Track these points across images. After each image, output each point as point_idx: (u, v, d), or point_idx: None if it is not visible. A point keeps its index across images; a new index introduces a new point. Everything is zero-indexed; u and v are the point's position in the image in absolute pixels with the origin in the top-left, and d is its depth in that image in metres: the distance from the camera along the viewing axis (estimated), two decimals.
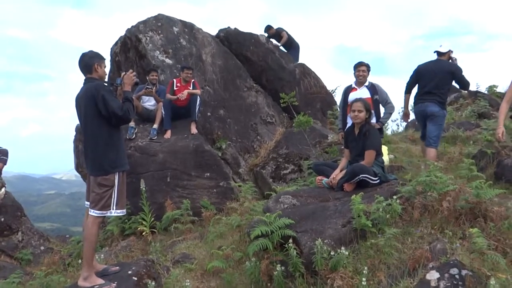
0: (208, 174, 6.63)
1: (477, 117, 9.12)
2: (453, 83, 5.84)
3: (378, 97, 5.85)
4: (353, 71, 6.03)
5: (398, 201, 3.72)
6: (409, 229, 3.65)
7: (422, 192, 3.92)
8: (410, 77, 5.93)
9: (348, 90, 6.03)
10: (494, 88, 11.45)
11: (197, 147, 6.63)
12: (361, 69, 5.93)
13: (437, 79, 5.61)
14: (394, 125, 11.29)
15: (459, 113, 9.83)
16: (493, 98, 10.29)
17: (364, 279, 2.98)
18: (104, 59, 3.92)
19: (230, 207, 6.11)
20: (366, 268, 3.12)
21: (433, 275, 2.86)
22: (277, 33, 10.06)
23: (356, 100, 4.80)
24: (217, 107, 7.83)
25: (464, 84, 5.79)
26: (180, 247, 5.10)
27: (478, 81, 9.19)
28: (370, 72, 6.04)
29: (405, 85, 6.03)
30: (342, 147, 5.50)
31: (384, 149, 5.22)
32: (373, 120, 5.54)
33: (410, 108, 6.33)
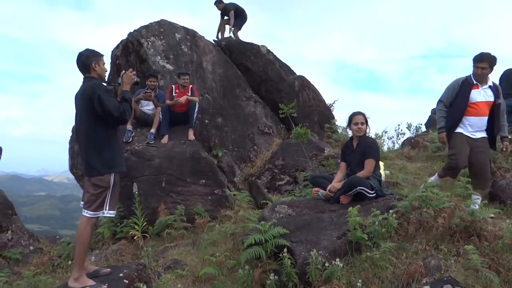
0: (204, 181, 6.62)
1: None
2: None
3: (501, 101, 4.99)
4: (472, 65, 4.96)
5: (394, 215, 3.73)
6: (404, 244, 3.66)
7: (418, 207, 3.94)
8: None
9: (468, 86, 4.96)
10: None
11: (194, 154, 6.63)
12: (481, 66, 4.88)
13: None
14: (390, 142, 11.33)
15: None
16: None
17: None
18: (102, 55, 3.87)
19: (224, 215, 6.07)
20: (360, 281, 3.12)
21: None
22: (226, 9, 10.07)
23: (358, 113, 4.84)
24: (215, 115, 7.84)
25: None
26: (172, 253, 5.06)
27: None
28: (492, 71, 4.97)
29: None
30: (339, 160, 5.45)
31: (381, 164, 5.23)
32: (485, 124, 4.92)
33: None
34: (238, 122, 8.24)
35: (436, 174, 5.51)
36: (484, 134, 5.03)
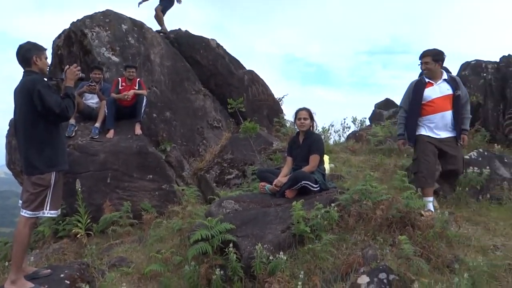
0: (151, 176, 6.52)
1: None
2: None
3: (460, 92, 4.90)
4: (419, 64, 5.02)
5: (335, 208, 3.88)
6: (344, 235, 3.81)
7: (358, 200, 4.11)
8: None
9: (421, 85, 4.95)
10: None
11: (141, 149, 6.51)
12: (424, 61, 4.92)
13: None
14: (336, 135, 11.65)
15: (396, 128, 9.99)
16: None
17: (300, 283, 3.06)
18: (44, 49, 3.71)
19: (172, 210, 5.99)
20: (302, 272, 3.21)
21: (363, 280, 3.04)
22: None
23: (302, 109, 4.92)
24: (164, 109, 7.73)
25: None
26: (117, 251, 4.95)
27: None
28: (441, 63, 4.94)
29: None
30: (286, 154, 5.53)
31: (326, 158, 5.33)
32: (449, 119, 4.84)
33: None
34: (187, 116, 8.14)
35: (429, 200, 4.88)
36: (450, 134, 4.86)
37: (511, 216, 4.81)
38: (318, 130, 10.99)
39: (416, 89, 4.98)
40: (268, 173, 5.07)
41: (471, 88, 7.97)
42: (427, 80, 4.96)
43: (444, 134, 4.86)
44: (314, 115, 4.96)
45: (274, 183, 4.71)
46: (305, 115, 4.86)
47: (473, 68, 8.47)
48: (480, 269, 3.15)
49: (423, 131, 4.92)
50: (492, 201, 5.33)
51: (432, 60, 4.86)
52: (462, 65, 8.85)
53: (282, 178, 4.74)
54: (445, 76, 4.95)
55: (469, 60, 9.00)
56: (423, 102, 4.90)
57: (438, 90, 4.90)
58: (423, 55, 4.92)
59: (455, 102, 4.85)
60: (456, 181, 5.23)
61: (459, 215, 4.29)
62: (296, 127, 5.06)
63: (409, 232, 3.68)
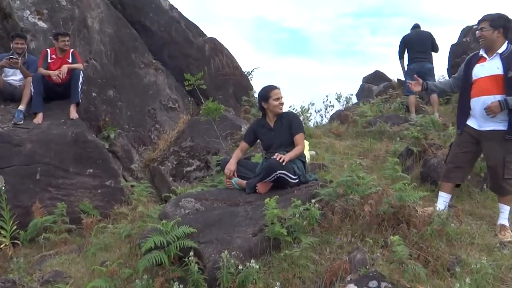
0: (91, 170, 6.41)
1: (406, 110, 9.56)
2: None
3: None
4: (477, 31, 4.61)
5: (316, 205, 3.85)
6: (328, 237, 3.83)
7: (344, 195, 4.12)
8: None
9: (473, 60, 4.59)
10: None
11: (78, 136, 6.38)
12: (480, 26, 4.50)
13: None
14: (318, 116, 11.76)
15: (388, 105, 10.33)
16: None
17: None
18: None
19: (118, 212, 5.99)
20: (278, 283, 3.21)
21: None
22: None
23: (275, 87, 4.98)
24: (105, 87, 7.60)
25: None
26: (51, 263, 4.83)
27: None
28: (504, 31, 4.40)
29: None
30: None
31: (305, 144, 5.24)
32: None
33: None
34: (135, 95, 8.05)
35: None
36: (494, 126, 4.35)
37: None
38: (296, 110, 11.06)
39: (467, 65, 4.63)
40: (237, 164, 4.99)
41: None
42: (481, 53, 4.53)
43: (485, 126, 4.41)
44: None
45: (276, 155, 4.54)
46: (280, 93, 4.94)
47: (475, 34, 8.50)
48: (484, 271, 3.19)
49: (468, 121, 4.58)
50: None
51: (490, 25, 4.38)
52: (463, 30, 9.04)
53: (232, 166, 4.82)
54: (503, 48, 4.39)
55: (470, 24, 9.44)
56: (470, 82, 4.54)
57: (487, 67, 4.43)
58: (481, 20, 4.51)
59: (507, 86, 4.27)
60: (496, 185, 4.56)
61: (461, 208, 4.40)
62: (268, 109, 4.98)
63: (403, 231, 3.72)
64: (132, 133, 7.66)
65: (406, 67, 9.24)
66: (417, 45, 9.05)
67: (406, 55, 9.26)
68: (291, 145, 4.80)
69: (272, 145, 4.93)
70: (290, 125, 4.84)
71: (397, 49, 9.36)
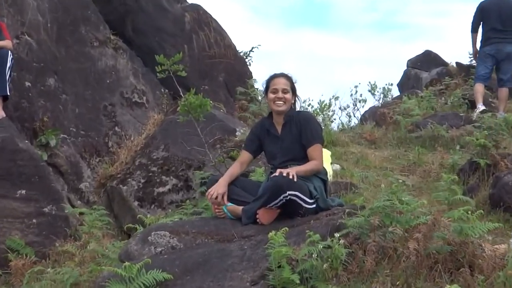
0: (23, 192, 6.01)
1: (468, 106, 8.89)
2: None
3: None
4: None
5: (342, 241, 3.62)
6: (358, 286, 3.53)
7: (380, 226, 3.81)
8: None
9: None
10: None
11: (4, 144, 5.98)
12: None
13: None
14: (344, 115, 11.80)
15: (443, 100, 9.84)
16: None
17: None
18: None
19: (61, 250, 5.70)
20: None
21: None
22: None
23: (278, 75, 4.63)
24: (44, 73, 7.20)
25: None
26: None
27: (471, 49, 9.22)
28: None
29: None
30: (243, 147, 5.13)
31: (326, 154, 4.92)
32: None
33: None
34: (85, 85, 7.69)
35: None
36: None
37: None
38: (312, 107, 10.73)
39: None
40: (230, 184, 4.60)
41: None
42: None
43: None
44: (296, 84, 4.65)
45: (279, 172, 4.16)
46: (284, 84, 4.51)
47: None
48: None
49: None
50: None
51: None
52: None
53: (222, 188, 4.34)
54: None
55: None
56: None
57: None
58: None
59: None
60: None
61: None
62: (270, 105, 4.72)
63: (465, 278, 3.35)
64: (81, 139, 7.39)
65: (478, 47, 8.31)
66: (497, 18, 8.00)
67: (480, 30, 8.29)
68: (305, 159, 4.38)
69: (277, 159, 4.55)
70: (302, 129, 4.41)
71: (471, 19, 8.37)
